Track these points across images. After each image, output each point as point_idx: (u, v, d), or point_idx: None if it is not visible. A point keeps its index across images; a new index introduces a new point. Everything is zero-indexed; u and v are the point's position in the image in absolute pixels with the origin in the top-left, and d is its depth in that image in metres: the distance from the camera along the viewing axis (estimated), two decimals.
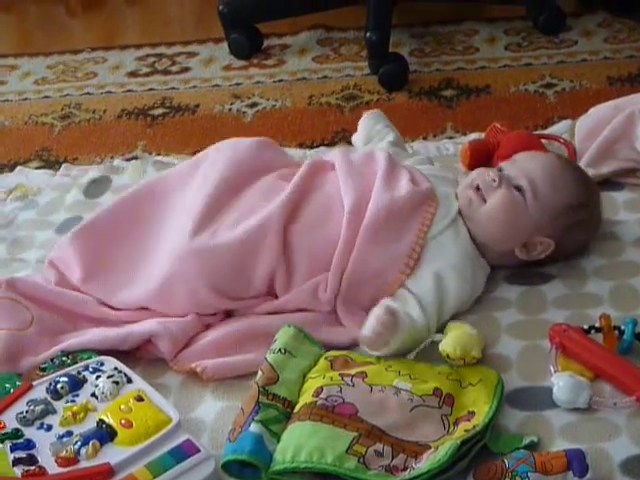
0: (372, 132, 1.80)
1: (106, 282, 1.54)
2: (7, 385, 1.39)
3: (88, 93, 2.44)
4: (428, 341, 1.42)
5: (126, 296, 1.53)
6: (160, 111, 2.31)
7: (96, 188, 1.92)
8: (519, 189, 1.55)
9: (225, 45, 2.55)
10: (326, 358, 1.40)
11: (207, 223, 1.53)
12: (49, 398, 1.33)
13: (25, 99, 2.44)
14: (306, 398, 1.31)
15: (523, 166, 1.58)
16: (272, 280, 1.50)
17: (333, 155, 1.66)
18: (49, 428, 1.28)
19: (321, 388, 1.31)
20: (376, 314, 1.39)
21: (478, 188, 1.57)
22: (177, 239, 1.52)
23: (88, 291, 1.54)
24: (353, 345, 1.45)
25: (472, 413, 1.29)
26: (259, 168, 1.63)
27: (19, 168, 2.06)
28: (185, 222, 1.53)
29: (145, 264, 1.55)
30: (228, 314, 1.53)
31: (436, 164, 1.78)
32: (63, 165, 2.04)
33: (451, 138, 2.03)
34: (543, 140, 1.86)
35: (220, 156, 1.65)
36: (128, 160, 2.06)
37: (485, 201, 1.56)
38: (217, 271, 1.49)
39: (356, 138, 1.84)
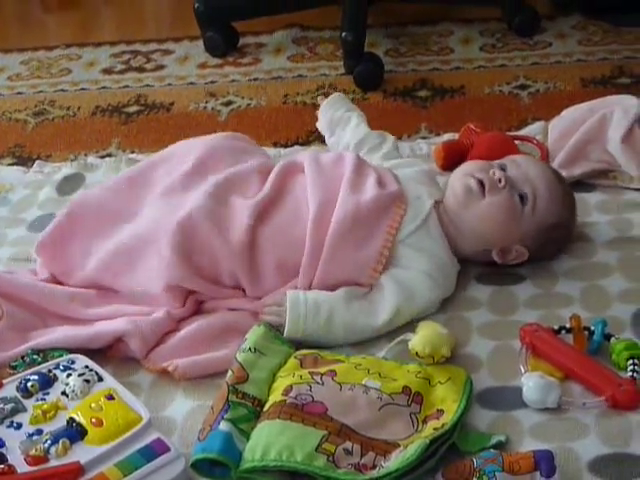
0: (334, 120, 1.79)
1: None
2: None
3: (62, 90, 2.42)
4: (398, 339, 1.43)
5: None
6: (135, 108, 2.31)
7: (69, 185, 1.92)
8: (522, 197, 1.53)
9: (200, 43, 2.54)
10: (295, 357, 1.40)
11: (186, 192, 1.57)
12: (19, 396, 1.32)
13: None
14: (276, 397, 1.31)
15: (528, 172, 1.56)
16: (236, 277, 1.51)
17: (303, 157, 1.65)
18: (19, 426, 1.28)
19: (290, 387, 1.31)
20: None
21: (481, 183, 1.55)
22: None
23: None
24: None
25: (441, 411, 1.30)
26: (236, 151, 1.66)
27: None
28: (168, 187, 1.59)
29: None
30: (198, 310, 1.53)
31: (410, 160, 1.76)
32: (36, 162, 2.03)
33: (425, 138, 2.03)
34: (517, 141, 1.87)
35: (195, 142, 1.69)
36: (102, 157, 2.05)
37: (484, 196, 1.54)
38: (187, 236, 1.50)
39: (320, 127, 1.83)
